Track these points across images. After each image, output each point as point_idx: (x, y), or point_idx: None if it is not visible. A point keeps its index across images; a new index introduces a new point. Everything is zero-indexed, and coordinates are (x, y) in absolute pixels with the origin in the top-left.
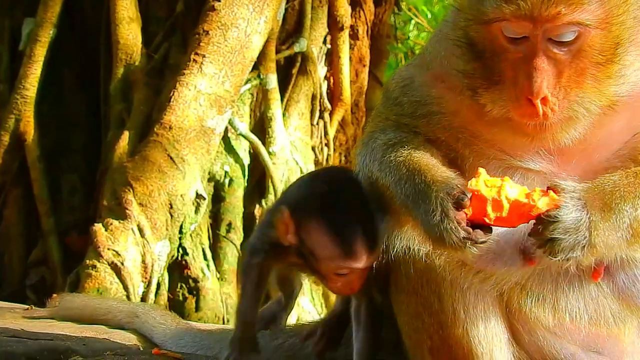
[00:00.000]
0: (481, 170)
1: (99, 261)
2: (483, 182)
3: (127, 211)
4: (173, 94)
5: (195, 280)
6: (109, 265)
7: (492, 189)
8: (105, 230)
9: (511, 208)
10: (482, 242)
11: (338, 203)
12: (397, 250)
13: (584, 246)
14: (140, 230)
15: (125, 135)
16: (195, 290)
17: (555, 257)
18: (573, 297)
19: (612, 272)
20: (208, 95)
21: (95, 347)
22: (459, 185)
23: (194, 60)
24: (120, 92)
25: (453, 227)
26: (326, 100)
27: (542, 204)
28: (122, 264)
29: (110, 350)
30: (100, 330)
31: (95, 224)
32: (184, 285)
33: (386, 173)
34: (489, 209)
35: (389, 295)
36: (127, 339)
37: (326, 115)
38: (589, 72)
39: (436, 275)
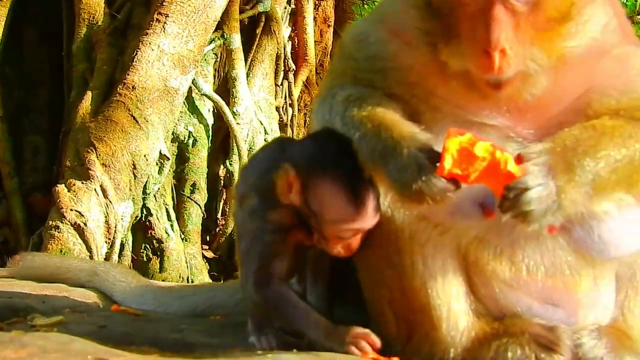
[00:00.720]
0: (452, 129)
1: (62, 222)
2: (453, 139)
3: (90, 172)
4: (136, 54)
5: (159, 241)
6: (72, 226)
7: (462, 145)
8: (68, 191)
9: (483, 167)
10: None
11: (348, 163)
12: None
13: (555, 211)
14: (104, 190)
15: (88, 96)
16: (159, 251)
17: (529, 226)
18: (530, 250)
19: (568, 224)
20: (171, 55)
21: (55, 304)
22: (428, 140)
23: (157, 20)
24: (83, 52)
25: (432, 179)
26: (290, 61)
27: (511, 167)
28: (85, 224)
29: (70, 307)
30: (61, 288)
31: (58, 185)
32: (147, 246)
33: (349, 128)
34: (461, 164)
35: None
36: (88, 296)
37: (290, 75)
38: (546, 27)
39: (396, 229)
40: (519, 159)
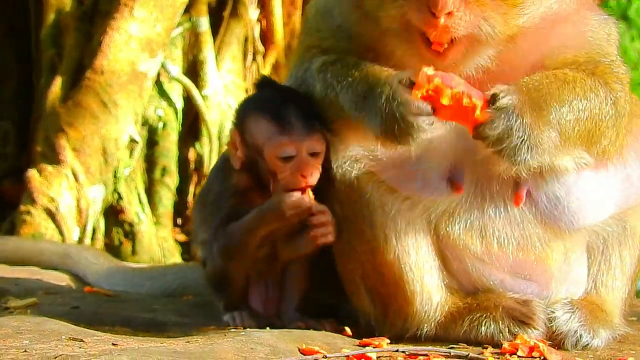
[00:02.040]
0: (423, 69)
1: (33, 207)
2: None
3: (61, 156)
4: (104, 39)
5: (131, 225)
6: (44, 210)
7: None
8: (40, 175)
9: (455, 101)
10: (429, 122)
11: (274, 97)
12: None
13: (527, 148)
14: (75, 175)
15: (57, 81)
16: (131, 234)
17: (506, 162)
18: (500, 223)
19: (534, 196)
20: (139, 39)
21: (28, 286)
22: (406, 74)
23: (124, 4)
24: (51, 37)
25: (406, 99)
26: (259, 43)
27: (479, 114)
28: (57, 209)
29: (43, 289)
30: (34, 271)
31: (29, 170)
32: (119, 230)
33: (330, 86)
34: (437, 96)
35: None
36: (60, 279)
37: (259, 57)
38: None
39: (368, 203)
40: (487, 103)
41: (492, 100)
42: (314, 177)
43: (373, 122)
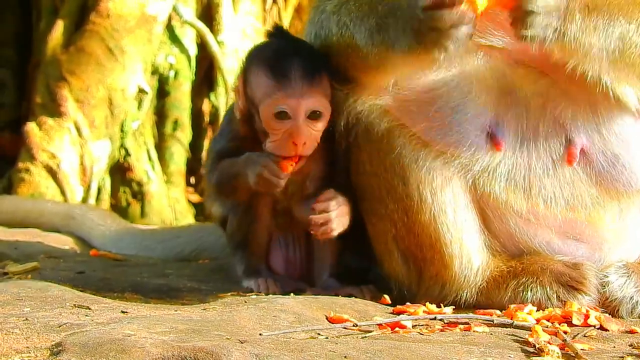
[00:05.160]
0: None
1: (32, 164)
2: None
3: (62, 108)
4: None
5: (140, 184)
6: (44, 167)
7: None
8: (39, 129)
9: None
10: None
11: (280, 49)
12: (356, 125)
13: (556, 29)
14: (78, 129)
15: (59, 25)
16: (139, 195)
17: (524, 31)
18: (547, 182)
19: (589, 154)
20: None
21: (29, 250)
22: None
23: None
24: None
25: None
26: None
27: None
28: (58, 166)
29: (44, 253)
30: (33, 233)
31: (28, 123)
32: (127, 189)
33: (345, 21)
34: None
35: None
36: (63, 242)
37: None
38: None
39: (399, 157)
40: None
41: None
42: (307, 147)
43: (401, 39)
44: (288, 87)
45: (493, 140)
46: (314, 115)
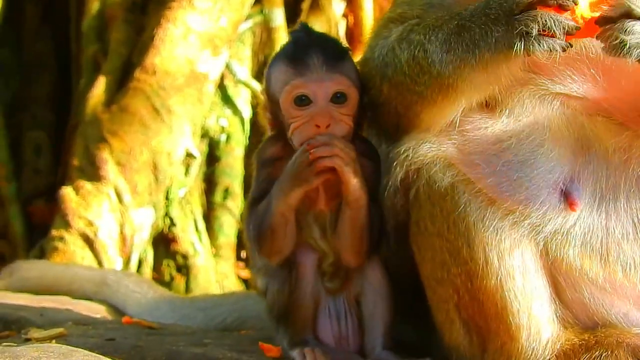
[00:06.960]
0: None
1: (67, 231)
2: None
3: (102, 172)
4: (157, 32)
5: (185, 257)
6: (80, 236)
7: None
8: (76, 194)
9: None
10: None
11: (298, 40)
12: (417, 180)
13: None
14: (118, 194)
15: (101, 82)
16: (184, 268)
17: (622, 36)
18: (627, 247)
19: None
20: (200, 34)
21: (55, 317)
22: None
23: None
24: (94, 31)
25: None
26: (344, 42)
27: None
28: (96, 234)
29: (72, 320)
30: (63, 301)
31: (63, 187)
32: (171, 262)
33: (420, 42)
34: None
35: (409, 242)
36: (94, 310)
37: None
38: None
39: (464, 216)
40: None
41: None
42: (333, 129)
43: (490, 33)
44: (307, 72)
45: (567, 198)
46: (337, 100)
